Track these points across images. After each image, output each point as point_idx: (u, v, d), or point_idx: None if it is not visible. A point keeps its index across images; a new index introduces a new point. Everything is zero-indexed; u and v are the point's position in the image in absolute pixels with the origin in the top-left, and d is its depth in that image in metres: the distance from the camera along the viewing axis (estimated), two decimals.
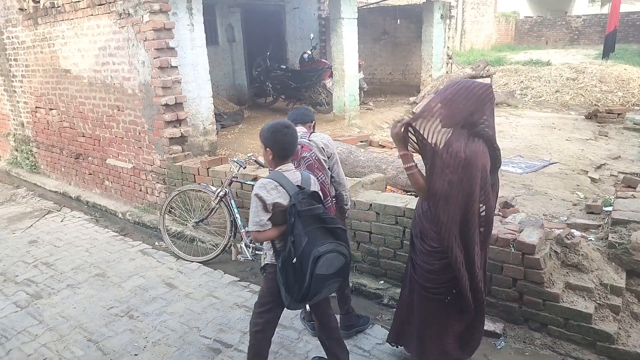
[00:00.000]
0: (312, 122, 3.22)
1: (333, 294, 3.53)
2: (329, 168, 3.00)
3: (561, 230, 3.36)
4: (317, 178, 2.81)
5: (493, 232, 3.13)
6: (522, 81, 12.22)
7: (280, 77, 9.40)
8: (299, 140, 2.88)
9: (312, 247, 2.30)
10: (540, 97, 11.18)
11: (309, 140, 2.98)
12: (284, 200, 2.41)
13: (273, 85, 9.52)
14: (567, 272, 3.19)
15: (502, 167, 5.59)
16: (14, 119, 7.96)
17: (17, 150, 8.17)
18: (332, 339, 2.78)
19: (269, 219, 2.42)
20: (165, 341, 3.35)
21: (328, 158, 3.01)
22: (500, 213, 3.75)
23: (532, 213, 4.28)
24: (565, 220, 4.02)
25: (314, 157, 2.88)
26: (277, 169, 2.53)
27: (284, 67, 9.77)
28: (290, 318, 3.52)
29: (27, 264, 4.73)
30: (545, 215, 4.30)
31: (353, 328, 3.28)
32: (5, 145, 8.54)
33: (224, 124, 7.73)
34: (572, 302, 2.99)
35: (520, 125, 8.59)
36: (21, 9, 6.55)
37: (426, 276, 2.47)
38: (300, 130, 3.07)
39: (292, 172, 2.54)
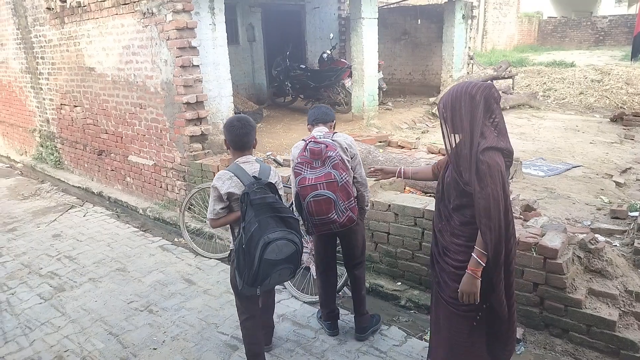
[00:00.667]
0: (333, 122, 3.19)
1: (348, 295, 3.55)
2: (351, 168, 2.99)
3: (585, 235, 3.28)
4: (342, 178, 2.81)
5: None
6: (545, 83, 11.99)
7: (299, 76, 9.42)
8: (322, 139, 2.90)
9: (262, 234, 2.43)
10: (563, 99, 10.96)
11: (333, 140, 2.96)
12: (237, 190, 2.59)
13: (292, 84, 9.55)
14: (590, 278, 3.12)
15: (523, 170, 5.54)
16: (39, 116, 8.16)
17: (42, 146, 8.38)
18: (268, 322, 3.18)
19: (225, 208, 2.64)
20: (183, 336, 3.39)
21: (351, 158, 3.00)
22: (521, 217, 3.69)
23: (554, 217, 4.20)
24: (589, 225, 3.93)
25: (338, 157, 2.85)
26: (235, 161, 2.72)
27: (304, 66, 9.78)
28: (307, 317, 3.54)
29: (50, 257, 4.84)
30: (568, 219, 4.21)
31: (368, 330, 3.28)
32: (31, 141, 8.76)
33: None
34: (595, 308, 2.93)
35: (542, 128, 8.44)
36: (49, 8, 6.71)
37: (452, 291, 2.28)
38: (322, 130, 3.07)
39: (250, 164, 2.72)
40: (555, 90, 11.42)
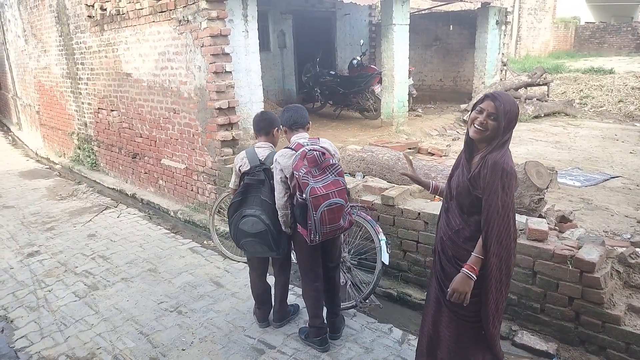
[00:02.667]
0: (309, 124, 3.13)
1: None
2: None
3: (624, 248, 3.16)
4: (344, 183, 2.84)
5: (549, 247, 3.01)
6: (581, 90, 11.65)
7: (329, 82, 9.45)
8: (311, 146, 2.86)
9: (242, 207, 3.09)
10: (601, 106, 10.60)
11: (322, 147, 2.90)
12: (244, 167, 3.17)
13: (321, 90, 9.58)
14: (630, 294, 2.99)
15: (558, 180, 5.38)
16: (78, 119, 8.47)
17: (79, 149, 8.69)
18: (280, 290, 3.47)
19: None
20: (211, 338, 3.43)
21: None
22: (556, 228, 3.58)
23: (591, 229, 4.06)
24: (629, 238, 3.77)
25: (339, 164, 2.90)
26: (253, 144, 3.29)
27: (333, 72, 9.81)
28: None
29: (85, 256, 5.00)
30: (606, 231, 4.06)
31: (341, 329, 3.36)
32: (69, 143, 9.10)
33: None
34: (636, 325, 2.80)
35: (579, 136, 8.18)
36: (90, 16, 6.97)
37: (461, 303, 2.25)
38: (304, 135, 3.02)
39: (262, 149, 3.21)
40: (593, 98, 11.07)
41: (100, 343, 3.45)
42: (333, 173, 2.80)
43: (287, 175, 2.90)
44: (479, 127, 2.15)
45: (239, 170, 3.19)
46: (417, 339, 2.72)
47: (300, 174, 2.77)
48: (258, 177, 3.09)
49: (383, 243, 3.50)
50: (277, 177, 2.95)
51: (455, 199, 2.29)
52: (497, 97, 2.12)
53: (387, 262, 3.48)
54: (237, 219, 3.08)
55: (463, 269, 2.18)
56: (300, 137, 2.99)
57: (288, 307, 3.57)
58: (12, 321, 3.80)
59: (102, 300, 4.07)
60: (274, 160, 2.98)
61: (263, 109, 5.75)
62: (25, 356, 3.34)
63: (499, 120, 2.09)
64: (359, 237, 3.79)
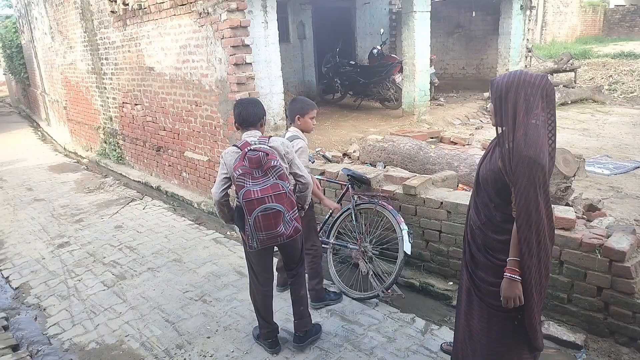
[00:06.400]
0: (264, 119, 2.93)
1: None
2: (288, 165, 2.86)
3: None
4: (284, 187, 2.70)
5: (577, 235, 2.95)
6: (610, 75, 11.27)
7: (349, 72, 9.37)
8: (259, 146, 2.72)
9: None
10: (632, 92, 10.23)
11: (270, 147, 2.75)
12: None
13: (341, 81, 9.51)
14: None
15: (586, 168, 5.24)
16: (104, 114, 8.65)
17: (105, 143, 8.88)
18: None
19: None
20: (235, 326, 3.48)
21: (289, 164, 2.86)
22: (584, 216, 3.48)
23: (621, 218, 3.94)
24: None
25: (282, 166, 2.73)
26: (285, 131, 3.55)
27: (353, 62, 9.72)
28: (355, 313, 3.53)
29: (113, 247, 5.13)
30: (637, 220, 3.93)
31: (307, 339, 3.13)
32: (95, 137, 9.31)
33: None
34: None
35: (608, 123, 7.93)
36: (112, 12, 7.08)
37: (494, 292, 2.18)
38: (255, 133, 2.86)
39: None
40: (623, 84, 10.69)
41: (128, 331, 3.54)
42: (274, 175, 2.67)
43: (231, 175, 2.78)
44: (489, 114, 2.09)
45: None
46: (454, 335, 2.64)
47: (236, 174, 2.67)
48: None
49: (405, 233, 3.48)
50: (220, 172, 2.84)
51: (483, 188, 2.22)
52: (493, 79, 2.06)
53: (409, 252, 3.47)
54: None
55: (506, 273, 2.08)
56: (250, 135, 2.85)
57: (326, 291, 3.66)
58: (44, 309, 3.94)
59: (129, 289, 4.17)
60: (220, 156, 2.87)
61: (283, 100, 5.76)
62: (58, 342, 3.46)
63: (495, 101, 2.01)
64: (380, 227, 3.78)
